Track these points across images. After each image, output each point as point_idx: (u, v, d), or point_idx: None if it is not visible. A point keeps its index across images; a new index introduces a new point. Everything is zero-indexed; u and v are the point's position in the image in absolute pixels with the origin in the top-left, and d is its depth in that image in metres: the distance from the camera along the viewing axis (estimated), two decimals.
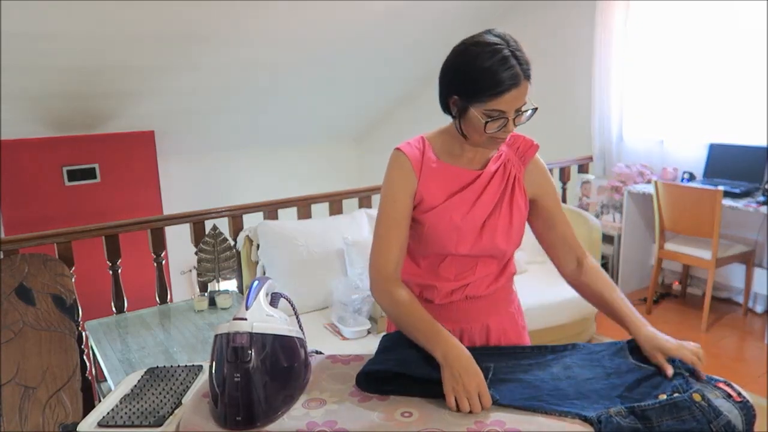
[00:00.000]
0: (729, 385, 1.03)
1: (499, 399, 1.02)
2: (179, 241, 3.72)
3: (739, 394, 1.00)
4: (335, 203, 3.32)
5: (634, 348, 1.17)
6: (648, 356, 1.13)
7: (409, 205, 1.26)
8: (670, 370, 1.08)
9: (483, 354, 1.20)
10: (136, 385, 1.16)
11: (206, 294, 2.86)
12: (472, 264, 1.29)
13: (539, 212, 1.33)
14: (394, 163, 1.28)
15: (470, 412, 1.00)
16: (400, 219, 1.25)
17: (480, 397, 1.01)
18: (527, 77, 1.14)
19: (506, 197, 1.27)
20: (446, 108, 1.23)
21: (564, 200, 4.17)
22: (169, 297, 2.98)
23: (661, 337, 1.15)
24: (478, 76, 1.12)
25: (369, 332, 2.61)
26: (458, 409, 1.00)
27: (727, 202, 3.34)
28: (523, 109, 1.16)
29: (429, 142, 1.30)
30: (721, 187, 3.31)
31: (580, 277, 1.31)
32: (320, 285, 2.87)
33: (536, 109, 1.18)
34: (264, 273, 2.95)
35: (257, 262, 3.00)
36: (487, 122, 1.15)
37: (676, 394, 0.98)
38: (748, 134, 3.65)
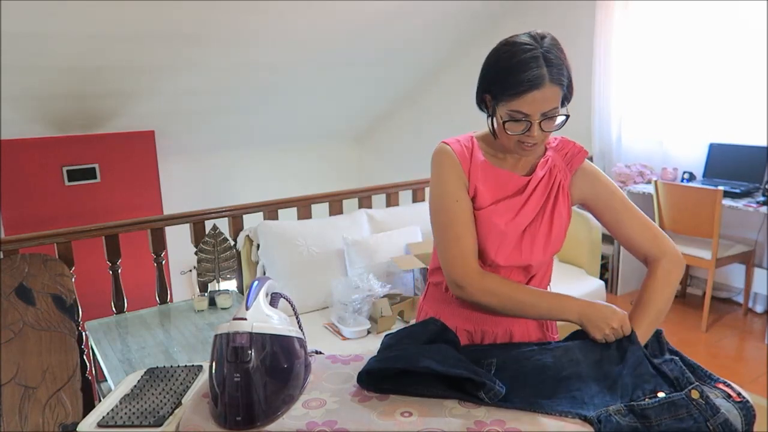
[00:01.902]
0: (728, 385, 1.03)
1: (503, 391, 1.03)
2: (179, 241, 3.72)
3: (739, 394, 1.00)
4: (335, 203, 3.32)
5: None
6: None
7: (470, 201, 1.23)
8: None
9: (486, 349, 1.21)
10: (136, 385, 1.16)
11: (206, 294, 2.87)
12: (503, 273, 1.26)
13: (600, 216, 1.29)
14: (444, 158, 1.24)
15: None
16: (469, 218, 1.22)
17: (623, 329, 1.12)
18: (555, 81, 1.10)
19: (549, 205, 1.25)
20: (482, 106, 1.22)
21: None
22: (169, 297, 2.98)
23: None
24: (501, 74, 1.12)
25: (369, 332, 2.61)
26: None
27: (727, 202, 3.34)
28: (551, 114, 1.13)
29: (477, 141, 1.27)
30: (721, 187, 3.31)
31: (646, 274, 1.26)
32: (320, 285, 2.87)
33: (568, 116, 1.16)
34: (264, 273, 2.95)
35: (257, 262, 3.00)
36: (506, 122, 1.14)
37: (674, 393, 0.98)
38: (748, 134, 3.65)
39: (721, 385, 1.03)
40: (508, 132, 1.15)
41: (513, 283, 1.22)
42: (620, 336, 1.12)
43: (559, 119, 1.15)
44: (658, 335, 1.15)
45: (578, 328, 1.18)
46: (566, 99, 1.16)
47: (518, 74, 1.09)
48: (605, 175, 1.30)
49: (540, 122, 1.13)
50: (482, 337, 1.31)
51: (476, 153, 1.25)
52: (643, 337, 1.15)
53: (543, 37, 1.12)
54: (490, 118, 1.20)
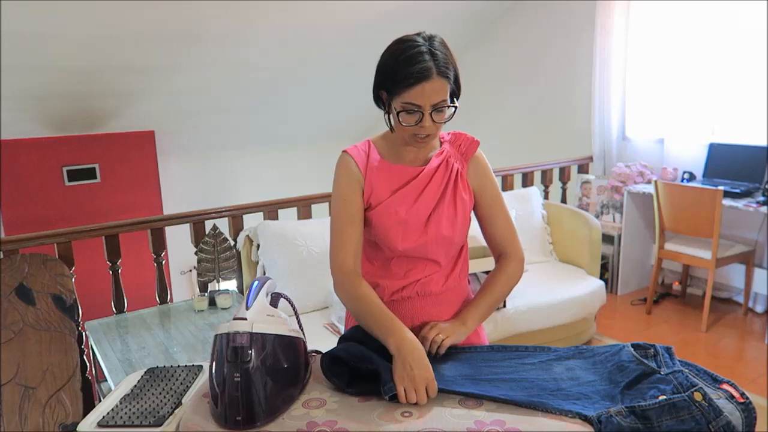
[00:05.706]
0: (733, 386, 1.03)
1: (502, 395, 1.03)
2: (179, 241, 3.72)
3: (743, 395, 1.00)
4: None
5: (636, 346, 1.17)
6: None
7: (359, 201, 1.32)
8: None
9: (489, 351, 1.21)
10: (136, 385, 1.16)
11: (206, 294, 2.86)
12: (421, 261, 1.33)
13: (478, 207, 1.38)
14: (340, 164, 1.35)
15: (416, 403, 1.03)
16: (353, 215, 1.32)
17: (427, 389, 1.05)
18: (442, 74, 1.17)
19: (449, 191, 1.32)
20: (379, 103, 1.29)
21: (564, 200, 4.17)
22: (169, 297, 2.98)
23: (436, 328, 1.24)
24: (392, 68, 1.19)
25: None
26: (407, 401, 1.03)
27: (727, 202, 3.34)
28: (440, 106, 1.19)
29: (374, 144, 1.38)
30: (721, 187, 3.31)
31: (495, 268, 1.40)
32: (320, 285, 2.87)
33: (456, 108, 1.23)
34: (264, 273, 2.95)
35: (257, 262, 3.00)
36: (399, 113, 1.21)
37: (675, 394, 0.98)
38: (748, 134, 3.65)
39: (725, 386, 1.03)
40: (403, 123, 1.21)
41: (370, 298, 1.25)
42: (418, 397, 1.03)
43: (449, 111, 1.23)
44: (668, 351, 1.14)
45: (578, 340, 1.19)
46: (455, 94, 1.23)
47: (408, 67, 1.16)
48: (492, 171, 1.39)
49: (431, 113, 1.20)
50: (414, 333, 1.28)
51: (372, 154, 1.35)
52: (474, 322, 1.29)
53: (432, 36, 1.21)
54: (386, 114, 1.27)
